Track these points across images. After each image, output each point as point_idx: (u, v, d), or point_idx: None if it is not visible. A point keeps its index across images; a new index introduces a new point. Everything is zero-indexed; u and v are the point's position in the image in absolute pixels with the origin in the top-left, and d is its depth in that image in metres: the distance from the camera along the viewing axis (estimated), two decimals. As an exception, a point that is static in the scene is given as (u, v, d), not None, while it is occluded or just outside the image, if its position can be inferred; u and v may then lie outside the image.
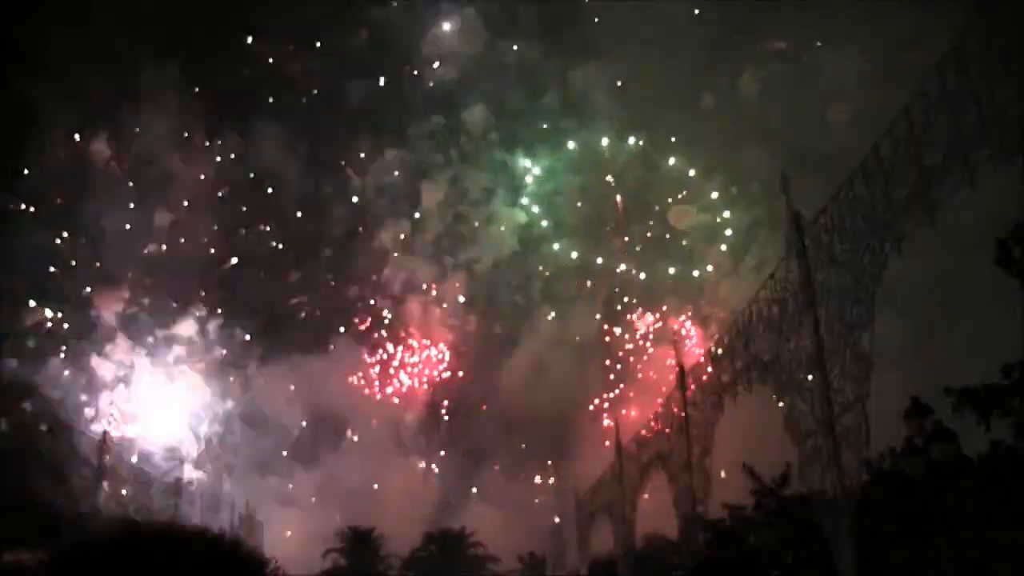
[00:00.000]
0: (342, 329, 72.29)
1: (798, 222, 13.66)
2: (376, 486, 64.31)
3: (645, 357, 69.19)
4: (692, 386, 20.27)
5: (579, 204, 73.54)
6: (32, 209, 65.33)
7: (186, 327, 67.76)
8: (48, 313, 64.96)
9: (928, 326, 46.95)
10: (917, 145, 10.06)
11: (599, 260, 73.32)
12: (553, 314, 70.78)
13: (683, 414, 20.56)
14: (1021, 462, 15.92)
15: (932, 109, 9.65)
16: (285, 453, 67.04)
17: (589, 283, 72.98)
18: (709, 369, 18.64)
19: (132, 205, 68.72)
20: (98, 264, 67.00)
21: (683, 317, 69.28)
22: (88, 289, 66.30)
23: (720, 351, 17.82)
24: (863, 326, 11.81)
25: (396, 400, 71.03)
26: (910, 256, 11.05)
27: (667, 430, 23.09)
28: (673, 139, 71.30)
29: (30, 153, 63.91)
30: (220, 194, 71.61)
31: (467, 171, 73.87)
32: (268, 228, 73.14)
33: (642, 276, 71.83)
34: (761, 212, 61.93)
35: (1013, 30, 8.15)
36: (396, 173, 73.89)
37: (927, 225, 10.22)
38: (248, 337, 69.39)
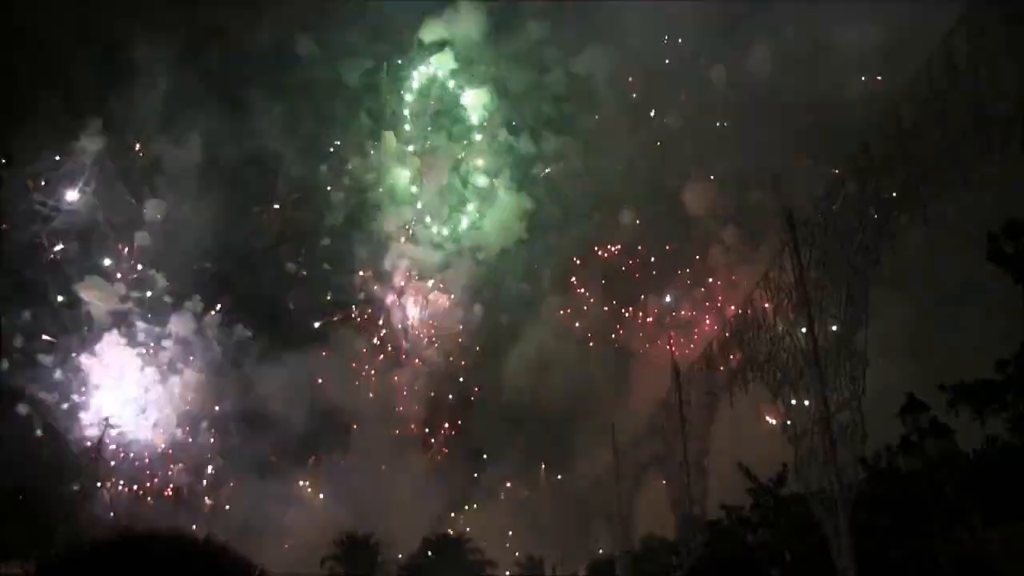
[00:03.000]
0: (341, 322, 70.86)
1: (790, 221, 13.69)
2: (375, 489, 63.78)
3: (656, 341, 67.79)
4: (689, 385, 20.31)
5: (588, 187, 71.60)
6: (15, 202, 63.10)
7: (181, 324, 66.24)
8: (35, 310, 62.94)
9: (923, 322, 46.96)
10: (906, 143, 10.08)
11: (608, 245, 71.45)
12: (559, 303, 69.20)
13: (679, 414, 20.57)
14: (1017, 457, 15.93)
15: (921, 107, 9.67)
16: (284, 455, 66.12)
17: (597, 270, 71.15)
18: (704, 369, 18.65)
19: (123, 195, 66.92)
20: (86, 259, 65.24)
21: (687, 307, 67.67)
22: (76, 286, 64.36)
23: (715, 350, 17.83)
24: (857, 324, 11.82)
25: (397, 395, 69.95)
26: (903, 253, 11.06)
27: (665, 430, 23.09)
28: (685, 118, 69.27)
29: (14, 143, 61.84)
30: (214, 183, 69.72)
31: (471, 154, 72.16)
32: (265, 218, 71.35)
33: (652, 260, 69.93)
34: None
35: (999, 29, 8.18)
36: (395, 157, 72.18)
37: (918, 222, 10.24)
38: (249, 334, 67.84)
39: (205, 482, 64.29)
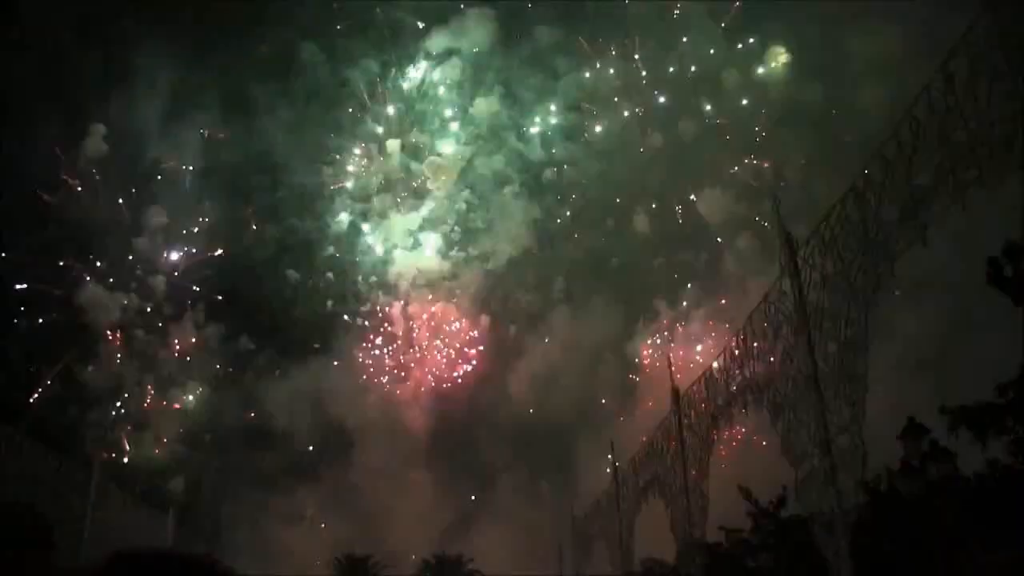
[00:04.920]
0: (344, 334, 70.03)
1: (790, 243, 13.69)
2: (376, 507, 63.26)
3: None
4: (689, 407, 20.23)
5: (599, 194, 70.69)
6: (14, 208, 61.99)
7: (184, 334, 65.51)
8: (33, 321, 62.12)
9: (924, 344, 46.89)
10: (907, 166, 10.11)
11: (621, 254, 70.47)
12: (569, 315, 68.20)
13: (679, 436, 20.50)
14: (1018, 481, 15.86)
15: (921, 130, 9.70)
16: (284, 471, 65.41)
17: (608, 280, 70.04)
18: (704, 391, 18.61)
19: (125, 202, 66.38)
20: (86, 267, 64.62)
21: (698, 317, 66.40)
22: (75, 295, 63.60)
23: (715, 373, 17.80)
24: (858, 347, 11.80)
25: (400, 409, 69.06)
26: (904, 275, 11.06)
27: (665, 452, 23.01)
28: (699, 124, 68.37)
29: (11, 143, 61.17)
30: (217, 189, 69.02)
31: (480, 160, 71.39)
32: (268, 224, 70.48)
33: (665, 269, 68.62)
34: (794, 200, 58.92)
35: (999, 52, 8.23)
36: (402, 163, 71.43)
37: (918, 244, 10.25)
38: (252, 346, 67.07)
39: (204, 498, 63.82)
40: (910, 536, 17.18)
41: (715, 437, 18.01)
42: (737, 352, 16.26)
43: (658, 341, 66.80)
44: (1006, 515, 15.68)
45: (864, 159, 11.64)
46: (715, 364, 17.72)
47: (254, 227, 70.72)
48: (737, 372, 16.27)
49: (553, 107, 72.83)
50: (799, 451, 13.42)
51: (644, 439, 27.52)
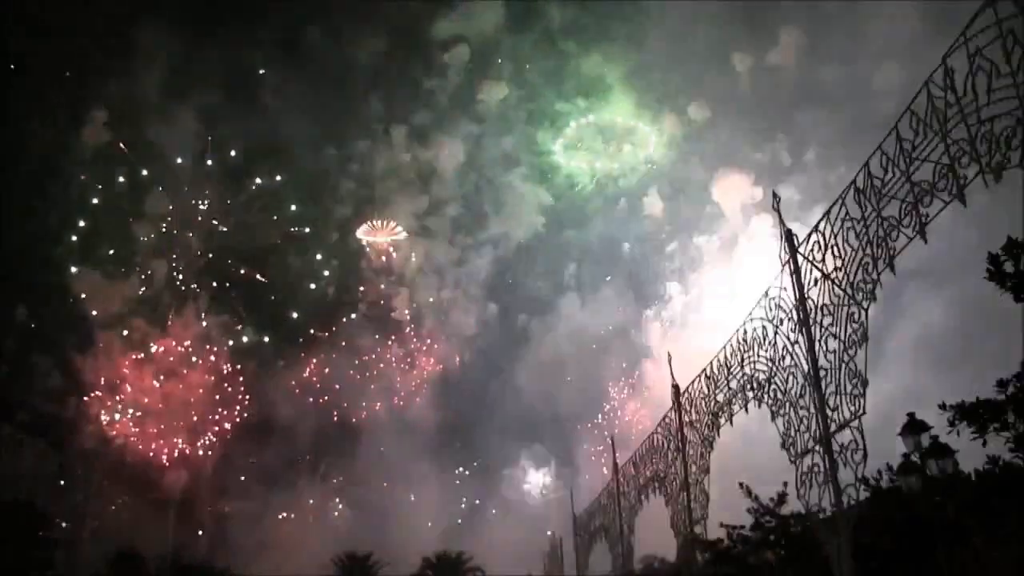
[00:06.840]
0: (348, 322, 69.57)
1: (791, 239, 13.68)
2: (380, 503, 63.21)
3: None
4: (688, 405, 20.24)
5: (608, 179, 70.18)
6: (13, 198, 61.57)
7: (186, 326, 65.20)
8: (32, 311, 61.68)
9: (924, 341, 46.97)
10: (907, 161, 10.11)
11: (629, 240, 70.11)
12: (578, 302, 67.97)
13: (680, 432, 20.51)
14: (1019, 477, 15.83)
15: (921, 125, 9.71)
16: (287, 465, 65.27)
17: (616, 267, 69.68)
18: (705, 387, 18.62)
19: (125, 189, 65.92)
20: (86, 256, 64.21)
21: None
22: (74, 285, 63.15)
23: (715, 369, 17.80)
24: (858, 343, 11.80)
25: (406, 400, 68.73)
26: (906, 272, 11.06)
27: (666, 448, 23.01)
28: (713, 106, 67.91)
29: (10, 129, 60.82)
30: (220, 176, 68.56)
31: (489, 145, 70.94)
32: (271, 213, 70.16)
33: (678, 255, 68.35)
34: (811, 183, 58.69)
35: (1000, 45, 8.21)
36: (410, 147, 71.00)
37: (919, 240, 10.24)
38: (256, 337, 66.81)
39: (205, 493, 63.86)
40: (911, 532, 17.18)
41: (716, 433, 18.00)
42: (737, 347, 16.28)
43: (667, 326, 66.69)
44: (1008, 511, 15.67)
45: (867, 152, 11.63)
46: (715, 359, 17.74)
47: (257, 212, 70.65)
48: (737, 368, 16.29)
49: (563, 89, 72.67)
50: (799, 447, 13.43)
51: (646, 434, 27.54)
